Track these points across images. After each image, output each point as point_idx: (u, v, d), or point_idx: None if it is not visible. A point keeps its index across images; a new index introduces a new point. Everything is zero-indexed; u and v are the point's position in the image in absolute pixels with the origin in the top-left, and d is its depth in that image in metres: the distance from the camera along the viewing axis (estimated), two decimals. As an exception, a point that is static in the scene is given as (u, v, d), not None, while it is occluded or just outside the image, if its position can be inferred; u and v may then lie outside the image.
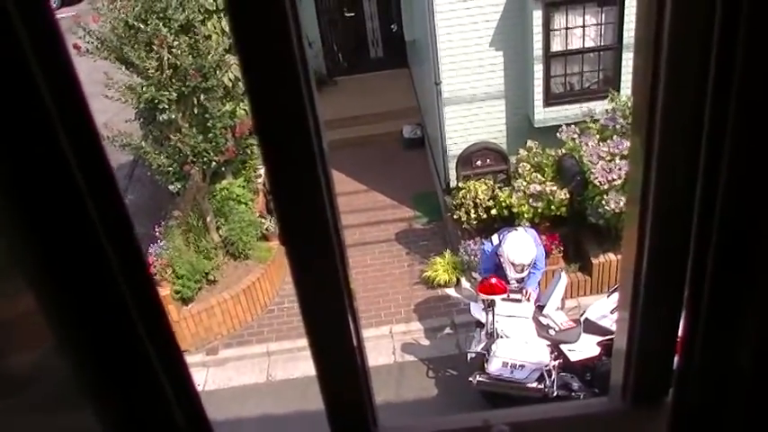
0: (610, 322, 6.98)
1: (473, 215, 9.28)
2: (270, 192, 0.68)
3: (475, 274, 8.41)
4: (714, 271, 0.44)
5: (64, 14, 17.06)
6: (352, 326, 0.76)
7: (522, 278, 7.46)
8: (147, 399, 0.67)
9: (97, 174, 0.58)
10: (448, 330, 8.94)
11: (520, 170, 9.23)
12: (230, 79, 8.86)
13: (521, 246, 7.40)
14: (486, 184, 9.48)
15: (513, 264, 7.32)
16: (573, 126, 9.20)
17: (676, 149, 0.47)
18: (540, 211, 8.87)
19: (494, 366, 7.18)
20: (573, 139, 9.02)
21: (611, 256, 8.77)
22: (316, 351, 0.77)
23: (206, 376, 8.85)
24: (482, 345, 7.29)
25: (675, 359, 0.88)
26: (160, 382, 0.66)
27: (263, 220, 9.98)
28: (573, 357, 7.20)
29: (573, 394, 7.24)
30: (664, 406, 0.92)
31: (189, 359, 8.91)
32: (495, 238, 7.69)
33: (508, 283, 7.44)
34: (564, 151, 9.06)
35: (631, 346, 0.85)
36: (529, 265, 7.37)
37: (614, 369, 0.93)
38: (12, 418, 0.60)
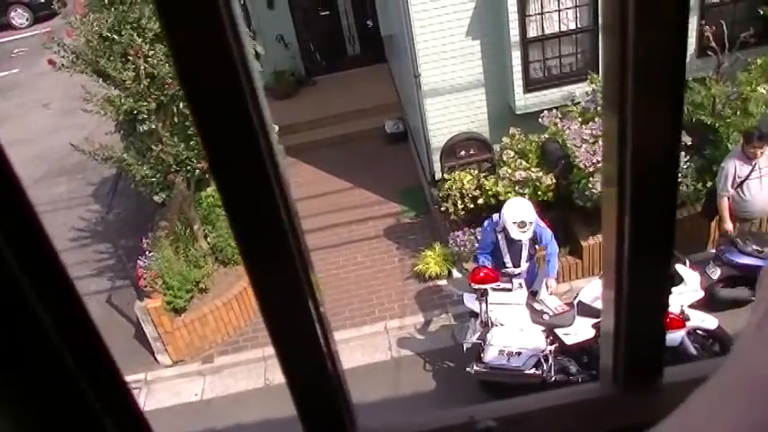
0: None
1: (460, 206, 9.28)
2: (221, 204, 0.66)
3: (466, 265, 8.40)
4: None
5: (37, 31, 16.93)
6: (319, 331, 0.75)
7: (527, 240, 7.42)
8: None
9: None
10: (442, 322, 8.94)
11: (504, 158, 9.24)
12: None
13: (519, 206, 7.47)
14: (471, 173, 9.48)
15: (515, 223, 7.32)
16: (554, 110, 9.22)
17: (650, 125, 0.46)
18: (526, 197, 8.88)
19: (490, 355, 7.19)
20: (555, 124, 9.04)
21: (600, 238, 8.78)
22: (284, 363, 0.76)
23: (203, 385, 8.82)
24: (477, 334, 7.29)
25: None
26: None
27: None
28: (568, 341, 7.21)
29: (571, 378, 7.26)
30: (656, 387, 0.91)
31: (185, 369, 8.95)
32: (495, 216, 7.70)
33: (505, 266, 7.48)
34: (547, 136, 9.08)
35: (619, 328, 0.85)
36: (531, 224, 7.35)
37: (603, 353, 0.91)
38: None
